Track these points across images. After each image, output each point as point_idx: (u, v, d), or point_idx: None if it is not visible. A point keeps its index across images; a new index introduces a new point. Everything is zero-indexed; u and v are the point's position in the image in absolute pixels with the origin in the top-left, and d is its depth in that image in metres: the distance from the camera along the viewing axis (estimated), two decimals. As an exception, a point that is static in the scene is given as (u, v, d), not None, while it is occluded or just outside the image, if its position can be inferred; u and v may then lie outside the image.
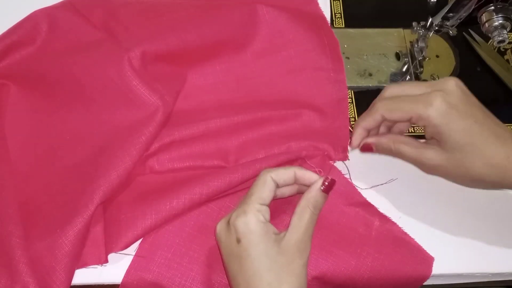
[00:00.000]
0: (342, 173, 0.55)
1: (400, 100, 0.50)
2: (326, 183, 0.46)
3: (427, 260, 0.52)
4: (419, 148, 0.50)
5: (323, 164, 0.55)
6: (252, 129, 0.55)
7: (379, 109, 0.50)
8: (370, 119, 0.51)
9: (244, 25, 0.59)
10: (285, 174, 0.47)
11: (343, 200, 0.53)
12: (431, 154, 0.49)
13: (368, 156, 0.55)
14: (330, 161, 0.56)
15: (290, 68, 0.59)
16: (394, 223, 0.53)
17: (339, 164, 0.56)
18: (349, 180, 0.55)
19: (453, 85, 0.49)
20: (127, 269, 0.50)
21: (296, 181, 0.48)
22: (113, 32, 0.58)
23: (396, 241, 0.52)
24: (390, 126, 0.54)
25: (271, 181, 0.47)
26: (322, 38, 0.60)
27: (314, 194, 0.46)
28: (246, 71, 0.59)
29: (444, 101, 0.47)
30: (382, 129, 0.54)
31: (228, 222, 0.45)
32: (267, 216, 0.46)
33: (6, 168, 0.53)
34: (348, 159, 0.56)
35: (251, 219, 0.44)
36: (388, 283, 0.51)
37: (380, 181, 0.56)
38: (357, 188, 0.55)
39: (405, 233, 0.53)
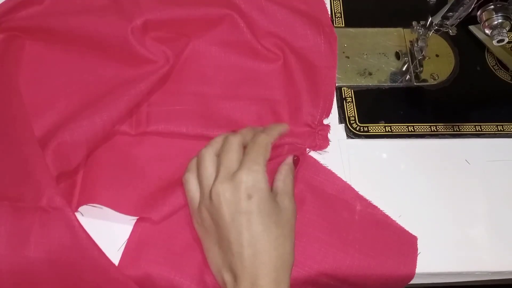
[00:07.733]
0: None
1: None
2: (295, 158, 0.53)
3: (411, 240, 0.53)
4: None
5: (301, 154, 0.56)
6: (242, 111, 0.58)
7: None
8: None
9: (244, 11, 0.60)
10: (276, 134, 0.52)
11: (325, 186, 0.54)
12: None
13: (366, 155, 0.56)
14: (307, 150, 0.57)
15: (286, 61, 0.60)
16: (375, 207, 0.54)
17: (338, 160, 0.57)
18: (327, 167, 0.56)
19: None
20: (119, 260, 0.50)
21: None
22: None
23: (379, 224, 0.53)
24: None
25: (270, 146, 0.49)
26: (320, 34, 0.59)
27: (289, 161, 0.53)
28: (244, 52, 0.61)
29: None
30: None
31: (232, 180, 0.46)
32: None
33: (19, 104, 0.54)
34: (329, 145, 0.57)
35: (262, 178, 0.47)
36: (376, 266, 0.51)
37: (376, 177, 0.56)
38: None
39: (387, 216, 0.54)
